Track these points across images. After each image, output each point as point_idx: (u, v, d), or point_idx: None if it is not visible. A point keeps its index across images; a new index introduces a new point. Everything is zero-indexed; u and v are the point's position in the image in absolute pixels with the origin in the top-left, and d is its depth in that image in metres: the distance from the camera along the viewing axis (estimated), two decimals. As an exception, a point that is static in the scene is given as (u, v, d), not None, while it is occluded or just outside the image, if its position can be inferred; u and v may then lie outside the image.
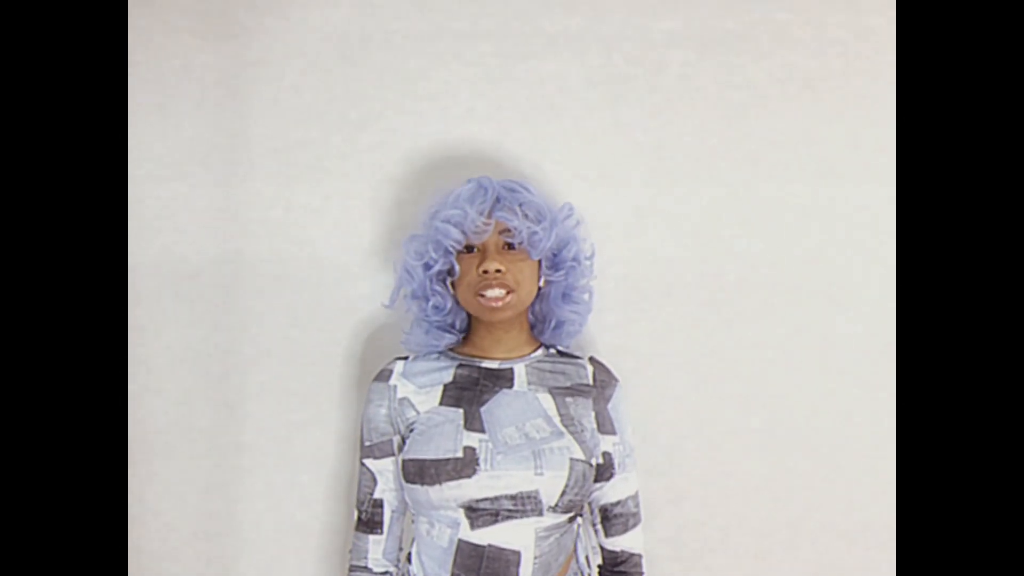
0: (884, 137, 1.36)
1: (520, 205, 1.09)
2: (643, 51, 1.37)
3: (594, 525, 1.16)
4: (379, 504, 1.12)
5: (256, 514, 1.38)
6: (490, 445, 1.04)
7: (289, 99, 1.37)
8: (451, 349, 1.18)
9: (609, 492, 1.14)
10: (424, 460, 1.04)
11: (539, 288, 1.14)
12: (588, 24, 1.37)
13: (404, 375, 1.13)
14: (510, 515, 1.02)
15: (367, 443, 1.13)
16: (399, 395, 1.12)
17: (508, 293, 1.07)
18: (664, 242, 1.37)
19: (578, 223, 1.16)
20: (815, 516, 1.38)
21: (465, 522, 1.03)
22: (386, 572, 1.12)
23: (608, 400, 1.14)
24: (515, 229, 1.07)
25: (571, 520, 1.09)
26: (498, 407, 1.08)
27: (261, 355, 1.38)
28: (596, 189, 1.36)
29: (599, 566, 1.17)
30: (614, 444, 1.13)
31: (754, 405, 1.37)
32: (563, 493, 1.03)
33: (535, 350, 1.16)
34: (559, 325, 1.17)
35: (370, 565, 1.12)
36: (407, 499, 1.09)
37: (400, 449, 1.10)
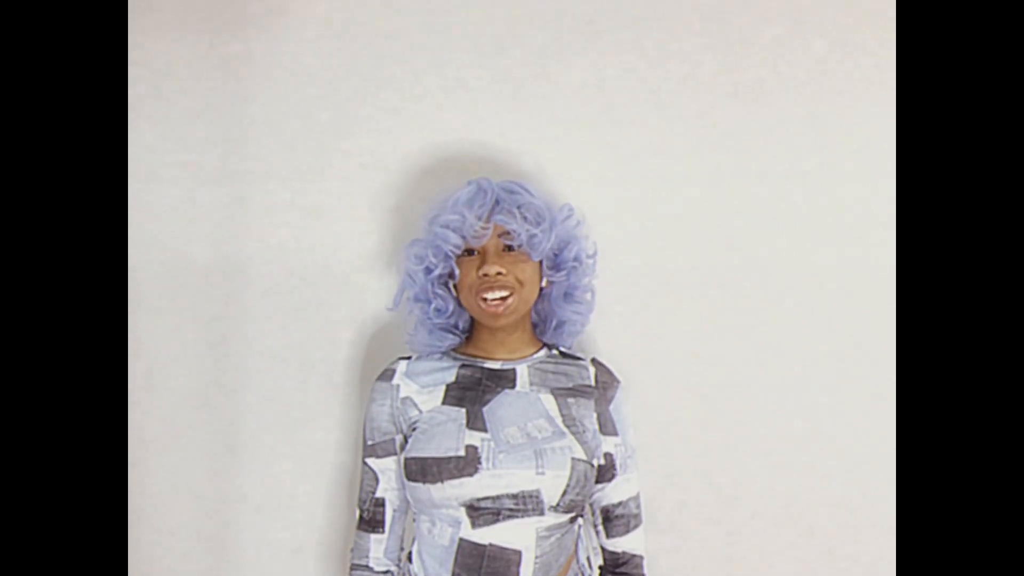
0: (884, 137, 1.36)
1: (519, 207, 1.09)
2: (644, 51, 1.37)
3: (595, 526, 1.16)
4: (381, 503, 1.12)
5: (257, 514, 1.38)
6: (492, 444, 1.04)
7: (290, 99, 1.37)
8: (454, 349, 1.18)
9: (611, 493, 1.14)
10: (426, 458, 1.04)
11: (541, 288, 1.14)
12: (588, 24, 1.37)
13: (407, 375, 1.14)
14: (511, 514, 1.02)
15: (369, 442, 1.13)
16: (402, 394, 1.12)
17: (509, 295, 1.07)
18: (664, 242, 1.37)
19: (579, 223, 1.16)
20: (816, 515, 1.38)
21: (466, 521, 1.03)
22: (387, 571, 1.13)
23: (610, 401, 1.14)
24: (514, 232, 1.07)
25: (572, 520, 1.09)
26: (500, 407, 1.08)
27: (262, 355, 1.38)
28: (596, 189, 1.36)
29: (600, 567, 1.17)
30: (616, 445, 1.13)
31: (755, 405, 1.37)
32: (564, 493, 1.03)
33: (537, 351, 1.16)
34: (561, 325, 1.17)
35: (371, 564, 1.12)
36: (408, 497, 1.09)
37: (402, 448, 1.11)
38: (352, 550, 1.15)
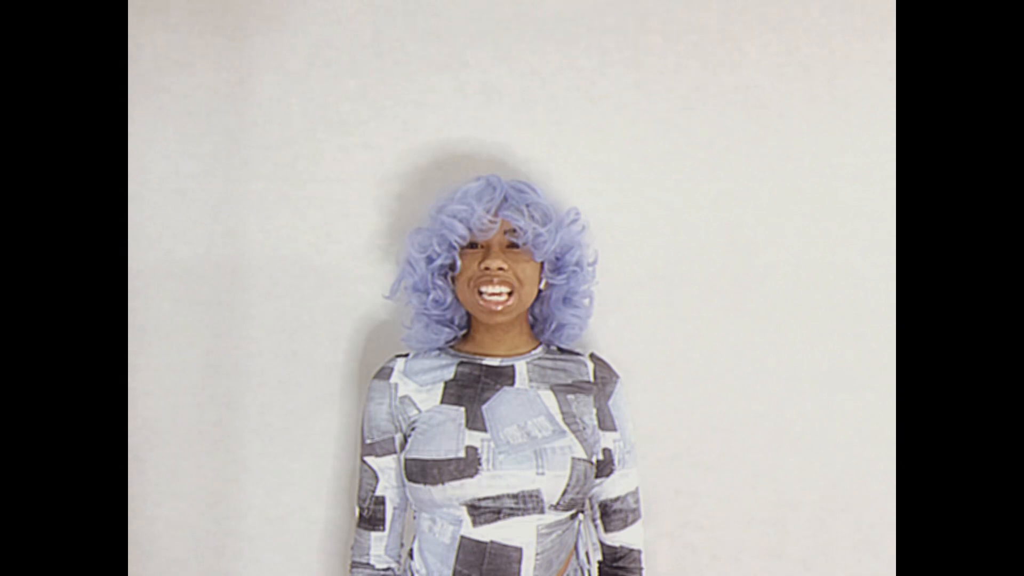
0: (884, 137, 1.36)
1: (527, 206, 1.09)
2: (647, 53, 1.37)
3: (594, 520, 1.16)
4: (381, 501, 1.12)
5: (257, 513, 1.38)
6: (492, 444, 1.04)
7: (289, 98, 1.37)
8: (452, 346, 1.18)
9: (609, 488, 1.14)
10: (426, 460, 1.04)
11: (540, 290, 1.14)
12: (591, 26, 1.37)
13: (405, 373, 1.14)
14: (512, 513, 1.03)
15: (368, 441, 1.13)
16: (400, 393, 1.12)
17: (509, 295, 1.07)
18: (666, 243, 1.37)
19: (584, 228, 1.16)
20: (816, 515, 1.38)
21: (468, 519, 1.03)
22: (388, 568, 1.13)
23: (609, 397, 1.14)
24: (520, 229, 1.07)
25: (573, 517, 1.10)
26: (500, 405, 1.08)
27: (262, 355, 1.38)
28: (596, 188, 1.36)
29: (599, 562, 1.17)
30: (614, 440, 1.13)
31: (755, 404, 1.37)
32: (564, 492, 1.03)
33: (536, 347, 1.16)
34: (560, 328, 1.17)
35: (372, 562, 1.12)
36: (409, 496, 1.09)
37: (402, 447, 1.11)
38: (352, 548, 1.15)
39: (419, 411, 1.10)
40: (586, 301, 1.18)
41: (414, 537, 1.12)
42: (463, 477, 1.02)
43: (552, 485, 1.03)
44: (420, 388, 1.12)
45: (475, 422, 1.06)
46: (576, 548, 1.12)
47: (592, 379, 1.15)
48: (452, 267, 1.11)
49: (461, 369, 1.13)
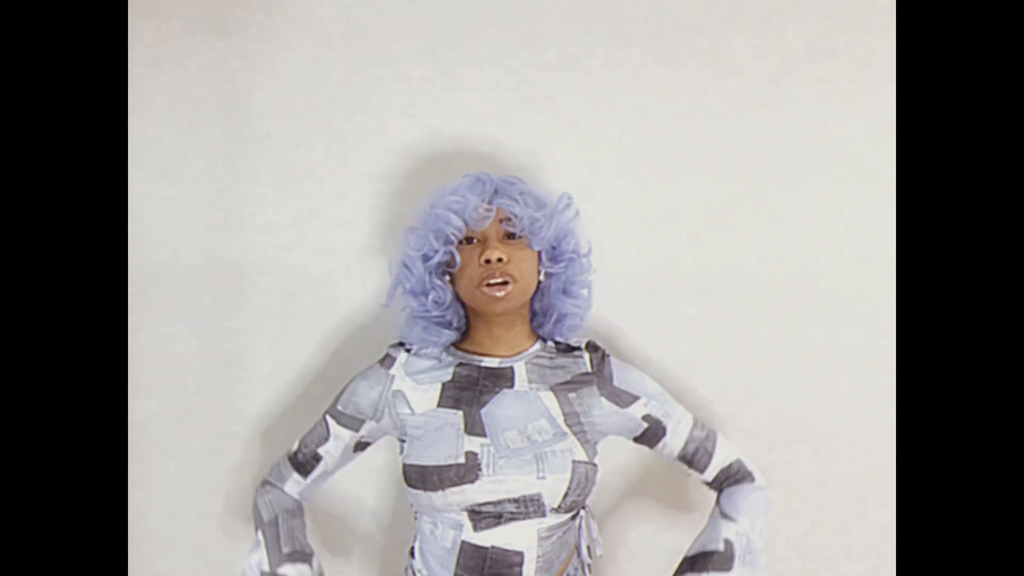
0: (884, 137, 1.36)
1: (520, 194, 1.09)
2: (643, 50, 1.37)
3: (687, 472, 1.17)
4: (317, 458, 1.15)
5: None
6: (492, 449, 1.03)
7: (289, 98, 1.37)
8: (451, 345, 1.16)
9: (673, 442, 1.14)
10: (426, 466, 1.04)
11: (539, 281, 1.13)
12: (588, 24, 1.37)
13: (404, 367, 1.13)
14: (513, 517, 1.02)
15: (340, 408, 1.14)
16: (395, 387, 1.12)
17: (510, 283, 1.05)
18: (663, 241, 1.36)
19: (576, 214, 1.14)
20: (816, 515, 1.38)
21: (468, 524, 1.03)
22: (298, 502, 1.18)
23: (611, 379, 1.12)
24: (516, 216, 1.06)
25: (574, 517, 1.10)
26: (499, 408, 1.07)
27: (262, 354, 1.37)
28: (593, 187, 1.36)
29: (707, 483, 1.18)
30: (645, 405, 1.12)
31: (754, 404, 1.37)
32: (565, 495, 1.03)
33: (534, 343, 1.15)
34: (560, 319, 1.15)
35: (286, 490, 1.18)
36: (409, 500, 1.09)
37: (360, 445, 1.16)
38: (270, 470, 1.19)
39: (412, 411, 1.09)
40: (584, 291, 1.17)
41: (415, 536, 1.12)
42: (463, 483, 1.01)
43: (553, 488, 1.02)
44: (416, 387, 1.11)
45: (474, 427, 1.05)
46: (578, 545, 1.12)
47: (591, 369, 1.13)
48: (450, 264, 1.10)
49: (459, 371, 1.11)
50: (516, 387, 1.09)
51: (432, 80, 1.37)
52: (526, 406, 1.07)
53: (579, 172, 1.36)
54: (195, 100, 1.37)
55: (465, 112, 1.37)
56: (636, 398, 1.12)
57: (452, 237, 1.07)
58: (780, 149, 1.37)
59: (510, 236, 1.08)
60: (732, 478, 1.16)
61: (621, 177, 1.37)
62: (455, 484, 1.02)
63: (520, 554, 1.02)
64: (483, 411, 1.07)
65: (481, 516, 1.02)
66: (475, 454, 1.03)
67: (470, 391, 1.09)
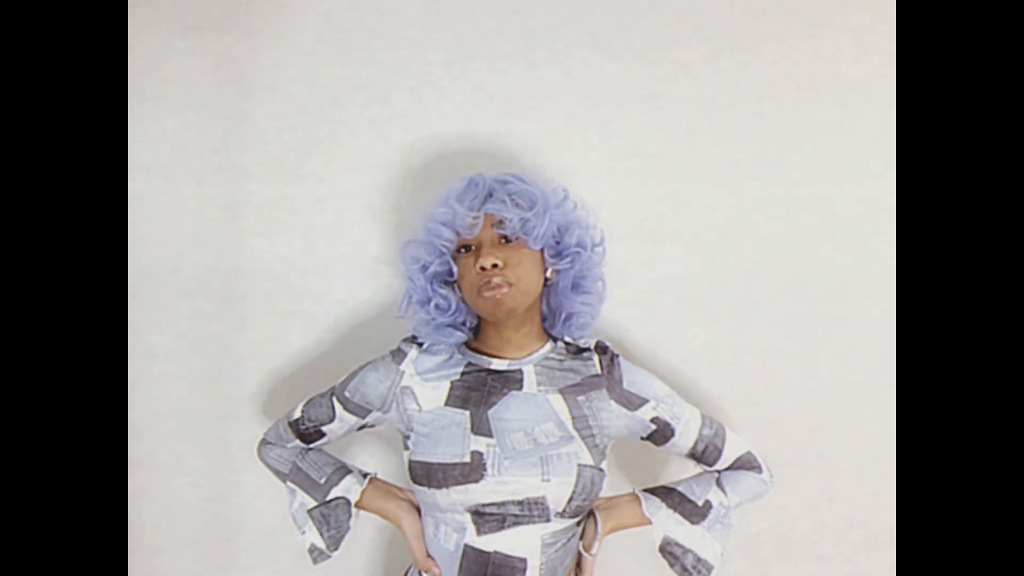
0: (884, 137, 1.36)
1: (511, 195, 1.06)
2: (646, 51, 1.36)
3: (697, 465, 1.18)
4: (322, 434, 1.16)
5: (256, 513, 1.38)
6: (498, 450, 1.02)
7: (289, 98, 1.37)
8: (463, 344, 1.15)
9: (682, 442, 1.13)
10: (431, 464, 1.03)
11: (547, 279, 1.11)
12: (591, 24, 1.37)
13: (415, 363, 1.12)
14: (517, 521, 1.01)
15: (347, 394, 1.13)
16: (403, 383, 1.11)
17: (509, 286, 1.04)
18: (666, 241, 1.36)
19: (576, 206, 1.13)
20: (815, 516, 1.38)
21: (472, 527, 1.02)
22: (294, 463, 1.18)
23: (620, 381, 1.11)
24: (506, 220, 1.04)
25: (579, 523, 1.09)
26: (507, 410, 1.06)
27: (261, 355, 1.37)
28: (596, 190, 1.36)
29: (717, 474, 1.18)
30: (654, 408, 1.11)
31: (754, 405, 1.37)
32: (570, 499, 1.02)
33: (544, 344, 1.14)
34: (570, 317, 1.14)
35: (288, 447, 1.19)
36: (415, 499, 1.10)
37: (361, 427, 1.16)
38: (268, 431, 1.20)
39: (419, 407, 1.08)
40: (597, 284, 1.15)
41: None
42: (468, 482, 1.01)
43: (558, 492, 1.01)
44: (425, 383, 1.10)
45: (481, 427, 1.04)
46: (580, 552, 1.12)
47: (600, 371, 1.11)
48: (449, 273, 1.10)
49: (468, 370, 1.10)
50: (525, 389, 1.08)
51: (434, 79, 1.37)
52: (534, 409, 1.06)
53: (584, 172, 1.36)
54: (195, 100, 1.37)
55: (467, 111, 1.37)
56: (645, 401, 1.11)
57: (444, 249, 1.07)
58: (781, 150, 1.36)
59: (506, 239, 1.06)
60: (742, 468, 1.16)
61: (627, 178, 1.36)
62: (459, 483, 1.01)
63: (523, 560, 1.01)
64: (490, 412, 1.06)
65: (484, 518, 1.02)
66: (481, 454, 1.02)
67: (478, 391, 1.08)
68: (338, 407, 1.13)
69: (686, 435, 1.13)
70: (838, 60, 1.36)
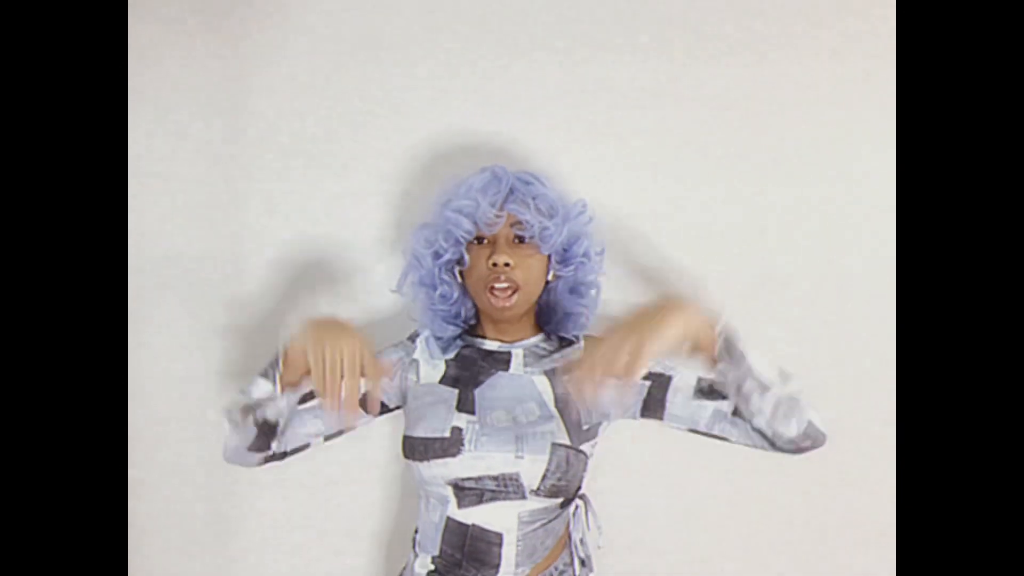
0: (884, 137, 1.36)
1: (533, 199, 1.09)
2: (651, 52, 1.37)
3: (710, 403, 1.05)
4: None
5: (256, 513, 1.38)
6: (477, 426, 1.06)
7: (290, 97, 1.37)
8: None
9: (683, 383, 1.07)
10: (415, 438, 1.07)
11: (547, 281, 1.14)
12: (600, 23, 1.37)
13: (426, 343, 1.17)
14: (494, 496, 1.04)
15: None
16: (413, 356, 1.17)
17: (514, 292, 1.07)
18: (671, 241, 1.37)
19: (591, 219, 1.15)
20: (816, 516, 1.38)
21: (453, 500, 1.05)
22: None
23: None
24: (527, 223, 1.07)
25: (564, 505, 1.09)
26: (492, 389, 1.10)
27: (263, 353, 1.38)
28: (604, 185, 1.36)
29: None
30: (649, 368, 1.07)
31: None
32: (544, 477, 1.03)
33: (536, 335, 1.17)
34: (566, 317, 1.16)
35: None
36: (408, 472, 1.14)
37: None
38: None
39: (418, 380, 1.14)
40: (593, 292, 1.18)
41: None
42: (447, 456, 1.04)
43: (531, 469, 1.03)
44: (429, 360, 1.15)
45: (465, 404, 1.08)
46: (569, 536, 1.11)
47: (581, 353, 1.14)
48: (460, 262, 1.12)
49: (464, 351, 1.15)
50: (511, 370, 1.11)
51: (436, 76, 1.37)
52: (518, 389, 1.10)
53: (590, 170, 1.36)
54: (195, 100, 1.37)
55: (471, 108, 1.37)
56: None
57: (462, 239, 1.09)
58: (781, 150, 1.37)
59: (520, 239, 1.09)
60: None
61: (628, 179, 1.37)
62: (439, 456, 1.04)
63: (499, 535, 1.04)
64: (477, 391, 1.09)
65: (464, 492, 1.05)
66: (460, 429, 1.05)
67: (469, 371, 1.12)
68: None
69: (685, 377, 1.08)
70: (838, 59, 1.36)
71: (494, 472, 1.03)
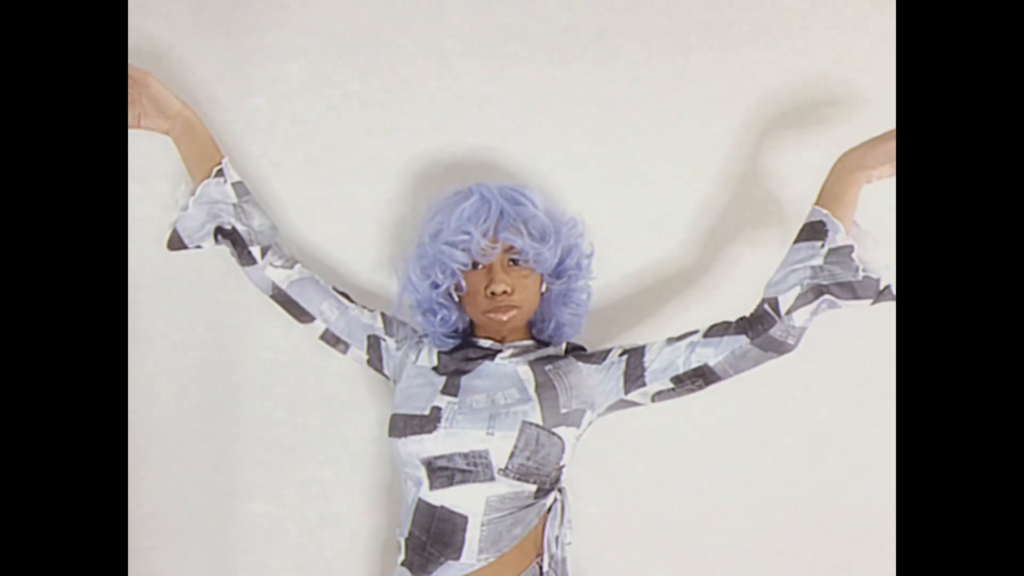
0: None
1: (525, 223, 1.11)
2: (645, 54, 1.37)
3: (729, 356, 1.07)
4: (344, 294, 1.23)
5: (257, 513, 1.38)
6: (456, 407, 1.09)
7: (290, 99, 1.37)
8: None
9: (657, 345, 1.11)
10: (397, 415, 1.13)
11: (540, 293, 1.17)
12: (592, 29, 1.37)
13: (432, 335, 1.21)
14: (464, 478, 1.06)
15: (393, 318, 1.23)
16: (417, 337, 1.23)
17: (514, 309, 1.11)
18: (666, 244, 1.37)
19: (581, 234, 1.18)
20: (815, 518, 1.38)
21: (426, 481, 1.08)
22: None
23: (583, 351, 1.18)
24: (521, 249, 1.09)
25: (538, 495, 1.08)
26: (476, 377, 1.13)
27: (262, 355, 1.37)
28: (596, 192, 1.36)
29: (733, 326, 1.08)
30: (619, 347, 1.14)
31: (754, 406, 1.37)
32: (512, 455, 1.05)
33: (526, 339, 1.20)
34: (559, 327, 1.20)
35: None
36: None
37: (382, 330, 1.22)
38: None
39: (415, 361, 1.19)
40: (583, 296, 1.21)
41: None
42: (423, 432, 1.08)
43: (499, 446, 1.05)
44: (428, 348, 1.20)
45: (449, 388, 1.12)
46: (543, 534, 1.10)
47: (564, 352, 1.19)
48: (457, 288, 1.14)
49: (458, 346, 1.19)
50: (497, 360, 1.14)
51: (437, 80, 1.37)
52: (501, 377, 1.13)
53: (582, 178, 1.36)
54: (195, 100, 1.36)
55: (470, 118, 1.37)
56: (608, 349, 1.16)
57: (457, 271, 1.12)
58: (783, 152, 1.37)
59: (514, 261, 1.12)
60: (731, 320, 1.09)
61: (622, 181, 1.37)
62: (415, 432, 1.08)
63: (464, 518, 1.05)
64: (463, 378, 1.13)
65: (436, 473, 1.07)
66: (440, 409, 1.10)
67: (459, 362, 1.15)
68: (378, 314, 1.23)
69: (655, 340, 1.12)
70: (838, 60, 1.36)
71: (464, 449, 1.05)
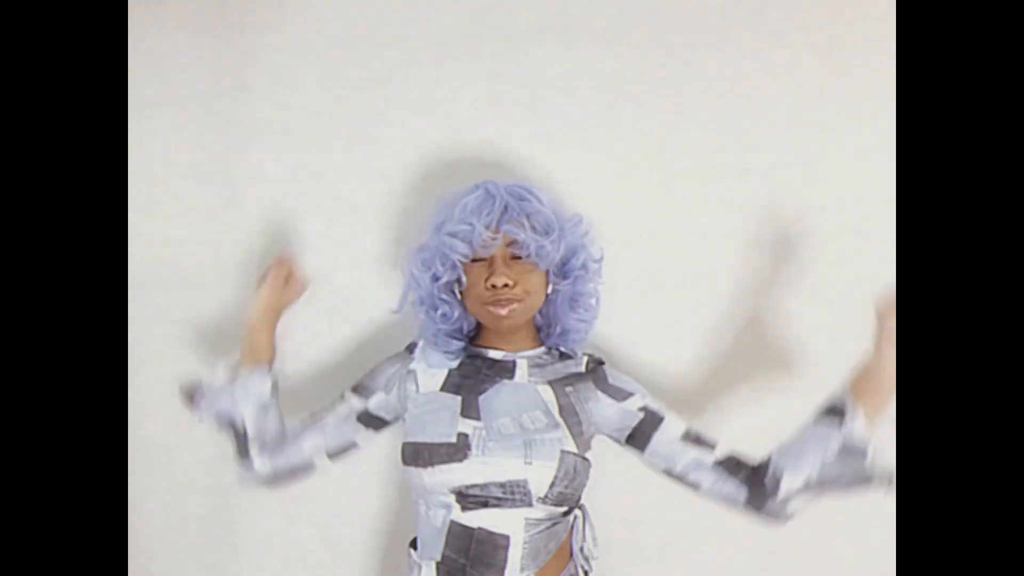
0: (884, 137, 1.36)
1: (528, 217, 1.09)
2: (646, 52, 1.37)
3: (695, 448, 1.11)
4: (316, 418, 1.18)
5: (256, 515, 1.38)
6: (483, 432, 1.06)
7: (290, 100, 1.37)
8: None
9: (672, 427, 1.11)
10: (419, 443, 1.07)
11: (546, 295, 1.15)
12: (593, 27, 1.37)
13: (423, 351, 1.18)
14: (499, 503, 1.03)
15: (361, 379, 1.20)
16: (410, 366, 1.17)
17: (516, 304, 1.09)
18: (668, 243, 1.36)
19: (587, 232, 1.16)
20: (815, 517, 1.38)
21: (456, 506, 1.05)
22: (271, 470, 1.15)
23: (605, 378, 1.15)
24: (523, 243, 1.08)
25: (566, 514, 1.09)
26: (496, 397, 1.10)
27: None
28: (601, 190, 1.36)
29: (718, 462, 1.10)
30: (642, 398, 1.13)
31: (755, 406, 1.37)
32: (552, 484, 1.04)
33: (538, 347, 1.18)
34: (565, 333, 1.18)
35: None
36: (407, 482, 1.12)
37: (397, 415, 1.18)
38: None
39: (417, 389, 1.13)
40: (592, 301, 1.19)
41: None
42: (452, 461, 1.04)
43: (539, 476, 1.03)
44: (427, 369, 1.15)
45: (469, 411, 1.08)
46: (571, 545, 1.11)
47: (584, 370, 1.16)
48: (458, 282, 1.13)
49: (466, 360, 1.15)
50: (516, 379, 1.12)
51: (437, 80, 1.37)
52: (524, 397, 1.10)
53: (587, 178, 1.36)
54: (195, 100, 1.37)
55: (473, 116, 1.37)
56: (631, 393, 1.14)
57: (458, 263, 1.10)
58: (783, 152, 1.37)
59: (516, 257, 1.10)
60: (743, 461, 1.11)
61: (625, 180, 1.37)
62: (444, 462, 1.04)
63: (507, 537, 1.03)
64: (481, 398, 1.09)
65: (468, 500, 1.04)
66: (466, 435, 1.05)
67: (472, 379, 1.12)
68: (347, 393, 1.18)
69: (674, 423, 1.13)
70: (838, 59, 1.36)
71: (501, 479, 1.03)
